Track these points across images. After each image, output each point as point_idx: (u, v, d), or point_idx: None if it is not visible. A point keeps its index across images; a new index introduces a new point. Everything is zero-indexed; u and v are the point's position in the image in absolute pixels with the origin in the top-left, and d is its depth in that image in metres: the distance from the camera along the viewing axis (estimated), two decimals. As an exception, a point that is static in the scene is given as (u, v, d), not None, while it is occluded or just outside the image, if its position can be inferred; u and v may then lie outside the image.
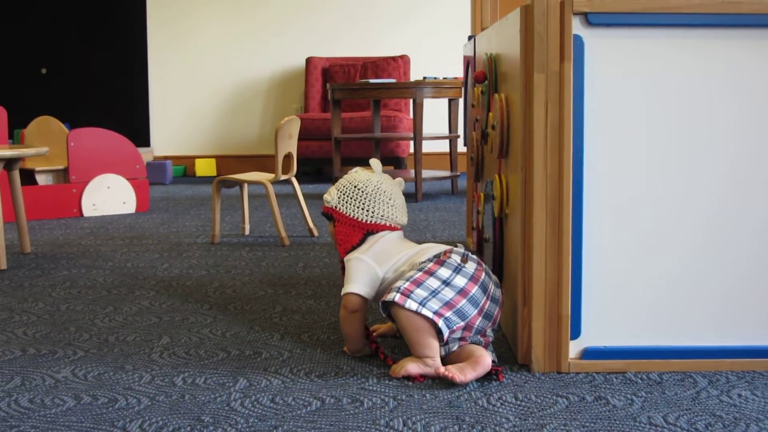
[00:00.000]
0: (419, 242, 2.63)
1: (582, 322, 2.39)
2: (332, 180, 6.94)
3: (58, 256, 4.34)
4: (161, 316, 3.06)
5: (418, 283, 2.37)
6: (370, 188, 2.63)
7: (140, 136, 8.79)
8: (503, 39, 2.74)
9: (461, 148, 7.51)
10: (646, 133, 2.35)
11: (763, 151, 2.36)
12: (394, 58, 8.50)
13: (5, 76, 9.00)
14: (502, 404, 2.13)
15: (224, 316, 3.06)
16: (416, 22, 8.80)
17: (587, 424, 2.00)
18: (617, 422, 2.01)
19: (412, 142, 7.55)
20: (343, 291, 2.52)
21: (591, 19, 2.30)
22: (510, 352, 2.57)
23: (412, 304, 2.32)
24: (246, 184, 4.83)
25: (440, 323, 2.32)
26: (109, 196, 6.03)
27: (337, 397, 2.19)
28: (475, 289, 2.39)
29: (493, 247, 2.80)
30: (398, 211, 2.65)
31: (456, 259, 2.43)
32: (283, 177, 4.64)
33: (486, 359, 2.32)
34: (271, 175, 4.62)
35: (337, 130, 6.70)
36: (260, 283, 3.61)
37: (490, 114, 2.88)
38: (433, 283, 2.38)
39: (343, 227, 2.62)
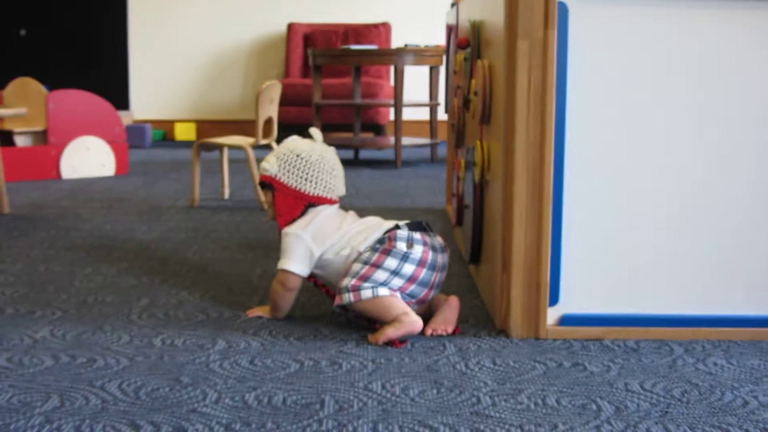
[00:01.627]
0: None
1: (561, 289, 2.39)
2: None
3: (37, 217, 4.31)
4: (140, 278, 3.05)
5: (366, 278, 2.38)
6: (314, 157, 2.55)
7: (120, 99, 8.71)
8: (487, 5, 2.73)
9: (441, 116, 7.50)
10: (628, 101, 2.35)
11: (739, 120, 2.36)
12: (375, 25, 8.46)
13: (-16, 37, 8.91)
14: (480, 369, 2.14)
15: (203, 278, 3.05)
16: (398, -10, 8.76)
17: (564, 389, 2.00)
18: (594, 388, 2.01)
19: (392, 109, 7.54)
20: (281, 266, 2.51)
21: (576, -14, 2.29)
22: (488, 317, 2.58)
23: (367, 293, 2.35)
24: (226, 148, 4.80)
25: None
26: (88, 159, 5.99)
27: (315, 360, 2.19)
28: (423, 273, 2.42)
29: (474, 214, 2.79)
30: (340, 182, 2.61)
31: (401, 246, 2.41)
32: (264, 141, 4.61)
33: (452, 298, 2.44)
34: (252, 140, 4.59)
35: (317, 96, 6.67)
36: (239, 247, 3.60)
37: (473, 80, 2.87)
38: (381, 275, 2.38)
39: (284, 198, 2.55)
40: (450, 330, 2.38)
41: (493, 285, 2.55)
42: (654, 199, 2.38)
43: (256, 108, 4.45)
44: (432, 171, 6.36)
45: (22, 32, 8.97)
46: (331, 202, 2.58)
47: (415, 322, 2.32)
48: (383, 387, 2.01)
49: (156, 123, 8.90)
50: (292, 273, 2.49)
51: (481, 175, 2.68)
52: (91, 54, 8.94)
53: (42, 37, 8.96)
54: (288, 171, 2.55)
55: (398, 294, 2.37)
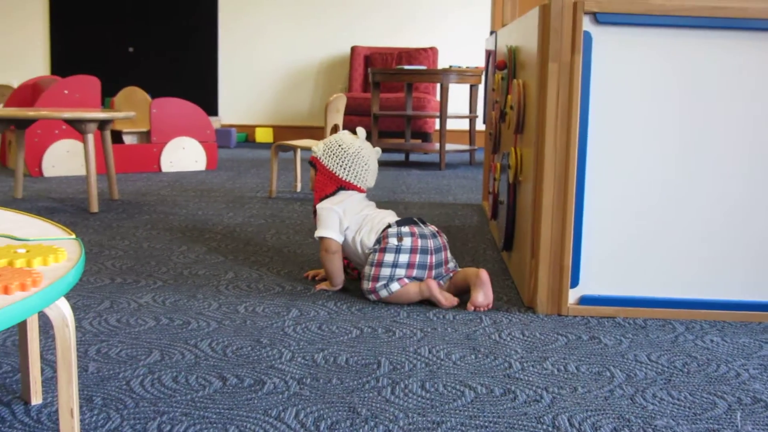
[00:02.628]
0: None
1: (581, 273, 2.37)
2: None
3: (141, 203, 4.35)
4: (227, 255, 3.07)
5: (376, 278, 2.42)
6: (352, 150, 2.60)
7: (210, 106, 8.79)
8: (523, 33, 2.71)
9: (479, 126, 7.48)
10: (641, 115, 2.32)
11: (736, 128, 2.32)
12: (425, 49, 8.43)
13: (100, 54, 9.01)
14: (511, 339, 2.13)
15: (279, 257, 3.07)
16: (444, 19, 8.71)
17: (583, 358, 1.99)
18: (608, 358, 1.99)
19: (438, 120, 7.51)
20: (320, 234, 2.54)
21: (599, 18, 2.26)
22: (518, 296, 2.56)
23: (383, 293, 2.41)
24: (299, 149, 4.81)
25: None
26: (184, 155, 6.04)
27: (373, 328, 2.19)
28: (418, 258, 2.44)
29: (507, 209, 2.78)
30: (370, 176, 2.65)
31: (393, 241, 2.45)
32: (330, 144, 4.61)
33: (483, 273, 2.40)
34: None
35: (375, 108, 6.66)
36: (309, 232, 3.60)
37: (509, 96, 2.85)
38: (385, 272, 2.42)
39: (322, 177, 2.62)
40: (490, 306, 2.38)
41: (522, 269, 2.53)
42: (662, 201, 2.35)
43: (324, 116, 4.46)
44: (470, 173, 6.33)
45: (131, 49, 9.06)
46: (359, 189, 2.62)
47: (429, 282, 2.39)
48: (430, 351, 2.00)
49: (240, 127, 8.95)
50: (329, 238, 2.53)
51: (515, 176, 2.67)
52: (187, 68, 9.01)
53: (147, 53, 9.04)
54: (329, 156, 2.61)
55: (406, 280, 2.41)
